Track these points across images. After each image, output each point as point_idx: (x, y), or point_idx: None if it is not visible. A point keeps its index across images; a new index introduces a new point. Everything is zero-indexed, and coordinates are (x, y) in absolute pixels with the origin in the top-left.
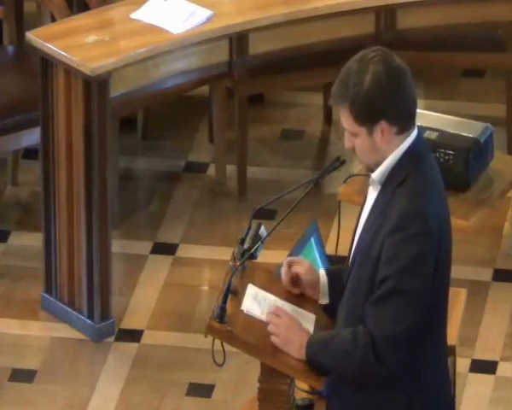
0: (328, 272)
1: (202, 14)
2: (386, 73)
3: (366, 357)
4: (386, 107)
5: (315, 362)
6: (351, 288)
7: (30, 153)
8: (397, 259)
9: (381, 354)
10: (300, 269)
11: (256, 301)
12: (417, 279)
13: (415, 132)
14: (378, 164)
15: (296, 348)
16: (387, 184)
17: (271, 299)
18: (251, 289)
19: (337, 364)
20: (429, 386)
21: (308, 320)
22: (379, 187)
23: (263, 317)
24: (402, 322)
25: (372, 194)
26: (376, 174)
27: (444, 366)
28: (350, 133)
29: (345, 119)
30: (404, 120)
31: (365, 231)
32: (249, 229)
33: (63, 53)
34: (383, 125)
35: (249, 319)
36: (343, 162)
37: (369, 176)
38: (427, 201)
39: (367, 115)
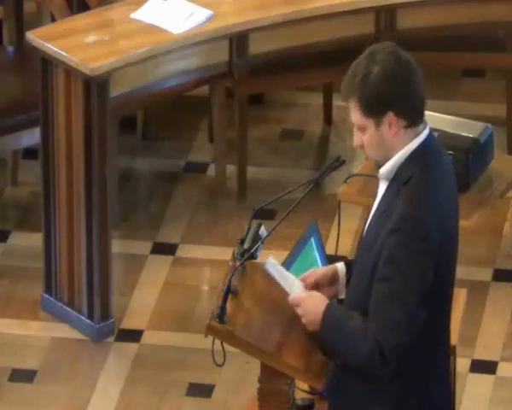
0: (346, 264)
1: (202, 14)
2: (394, 64)
3: (373, 357)
4: (394, 97)
5: (326, 337)
6: (355, 280)
7: (30, 153)
8: (394, 261)
9: (388, 358)
10: (316, 276)
11: (276, 270)
12: (415, 284)
13: (426, 132)
14: (385, 160)
15: (313, 317)
16: (395, 180)
17: (290, 277)
18: (272, 260)
19: (346, 350)
20: (421, 384)
21: None
22: (387, 182)
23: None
24: (405, 330)
25: (382, 188)
26: (384, 169)
27: (443, 366)
28: (358, 128)
29: (353, 112)
30: (411, 112)
31: (371, 225)
32: (249, 229)
33: (63, 53)
34: (390, 117)
35: (249, 319)
36: (343, 162)
37: (372, 175)
38: (429, 205)
39: (374, 106)
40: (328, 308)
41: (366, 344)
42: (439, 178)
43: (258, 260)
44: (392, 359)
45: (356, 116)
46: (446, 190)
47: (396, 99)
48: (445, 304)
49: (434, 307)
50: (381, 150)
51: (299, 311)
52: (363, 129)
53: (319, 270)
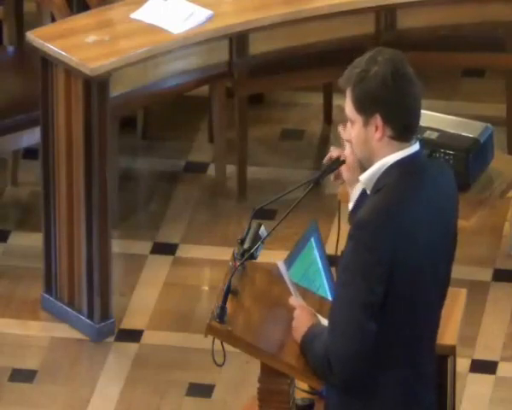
0: None
1: (202, 14)
2: (391, 71)
3: (323, 363)
4: (384, 103)
5: (304, 353)
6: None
7: (30, 153)
8: (346, 269)
9: (333, 366)
10: None
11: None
12: (362, 295)
13: (413, 148)
14: (367, 162)
15: (299, 336)
16: (372, 190)
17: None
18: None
19: (311, 362)
20: (387, 400)
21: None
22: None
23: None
24: (350, 340)
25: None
26: (364, 177)
27: (412, 384)
28: (349, 121)
29: (347, 102)
30: (398, 124)
31: None
32: (249, 229)
33: (63, 53)
34: (378, 120)
35: (249, 318)
36: (343, 162)
37: None
38: (388, 217)
39: (364, 104)
40: (309, 330)
41: (320, 350)
42: (412, 193)
43: (258, 260)
44: (339, 369)
45: (348, 107)
46: (421, 207)
47: (385, 105)
48: (409, 318)
49: (391, 322)
50: (364, 150)
51: (294, 322)
52: (352, 123)
53: None
